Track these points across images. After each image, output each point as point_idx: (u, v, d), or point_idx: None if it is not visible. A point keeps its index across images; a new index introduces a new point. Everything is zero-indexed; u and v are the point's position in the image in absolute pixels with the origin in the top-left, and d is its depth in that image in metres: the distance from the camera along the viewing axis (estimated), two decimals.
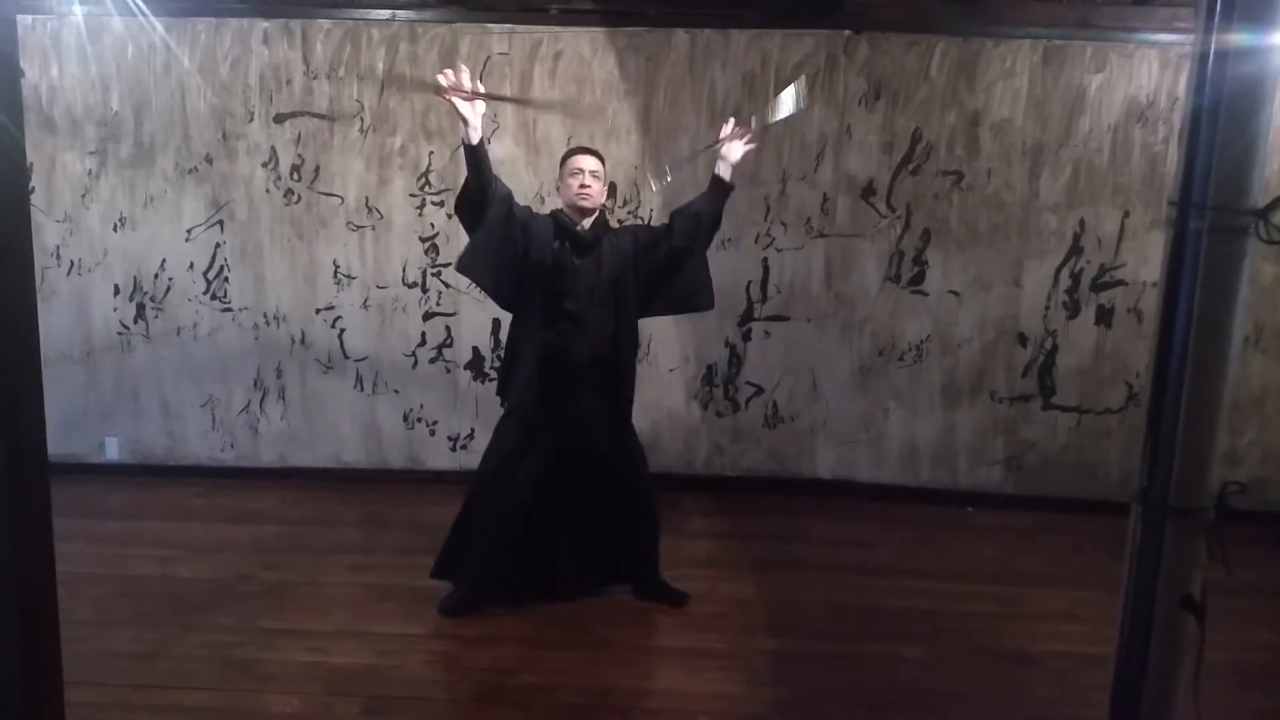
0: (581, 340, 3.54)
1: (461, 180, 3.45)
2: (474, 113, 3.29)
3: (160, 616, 3.58)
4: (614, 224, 3.76)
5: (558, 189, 3.66)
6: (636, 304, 3.63)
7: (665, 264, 3.61)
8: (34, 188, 4.84)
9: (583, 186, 3.50)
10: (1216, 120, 1.77)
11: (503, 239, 3.46)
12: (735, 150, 3.55)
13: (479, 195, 3.40)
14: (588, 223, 3.56)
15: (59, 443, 4.85)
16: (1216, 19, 1.76)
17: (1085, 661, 3.38)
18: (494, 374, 4.97)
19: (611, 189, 4.75)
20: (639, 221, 4.68)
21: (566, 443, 3.60)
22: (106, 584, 3.82)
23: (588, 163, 3.53)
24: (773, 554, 4.32)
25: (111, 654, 3.31)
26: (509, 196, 3.49)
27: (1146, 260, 4.71)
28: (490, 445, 3.72)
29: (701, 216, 3.59)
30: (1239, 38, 1.74)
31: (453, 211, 3.56)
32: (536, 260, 3.50)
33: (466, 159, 3.38)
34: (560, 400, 3.56)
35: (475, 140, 3.33)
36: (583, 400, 3.58)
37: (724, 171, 3.57)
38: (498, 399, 3.73)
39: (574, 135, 4.72)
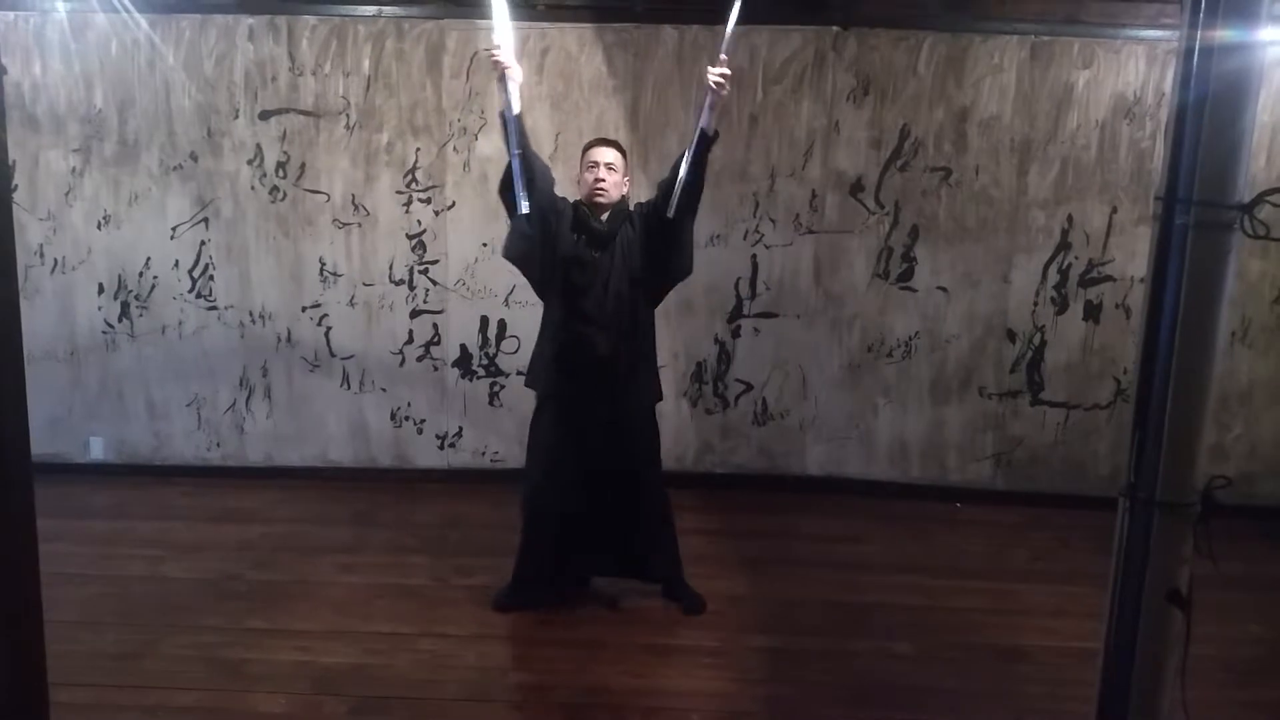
0: (601, 334, 3.51)
1: (501, 167, 3.42)
2: (514, 82, 3.31)
3: (147, 616, 3.56)
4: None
5: (577, 182, 3.59)
6: (647, 293, 3.59)
7: (660, 242, 3.51)
8: (17, 185, 4.79)
9: (598, 181, 3.46)
10: (1202, 116, 1.78)
11: (543, 225, 3.45)
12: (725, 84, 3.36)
13: (526, 170, 3.39)
14: (605, 216, 3.51)
15: (43, 442, 4.81)
16: (1202, 15, 1.76)
17: (1074, 656, 3.40)
18: (482, 371, 4.96)
19: None
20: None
21: (593, 439, 3.58)
22: (92, 584, 3.80)
23: (603, 155, 3.48)
24: (763, 551, 4.32)
25: (98, 654, 3.29)
26: (548, 174, 3.49)
27: (1134, 256, 4.73)
28: (530, 448, 3.71)
29: (687, 183, 3.42)
30: (1224, 34, 1.75)
31: (497, 193, 3.51)
32: (560, 253, 3.50)
33: (512, 129, 3.35)
34: (586, 394, 3.55)
35: (517, 110, 3.33)
36: (606, 394, 3.55)
37: (705, 121, 3.38)
38: (529, 390, 3.73)
39: (563, 130, 4.71)
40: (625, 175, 3.56)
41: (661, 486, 3.75)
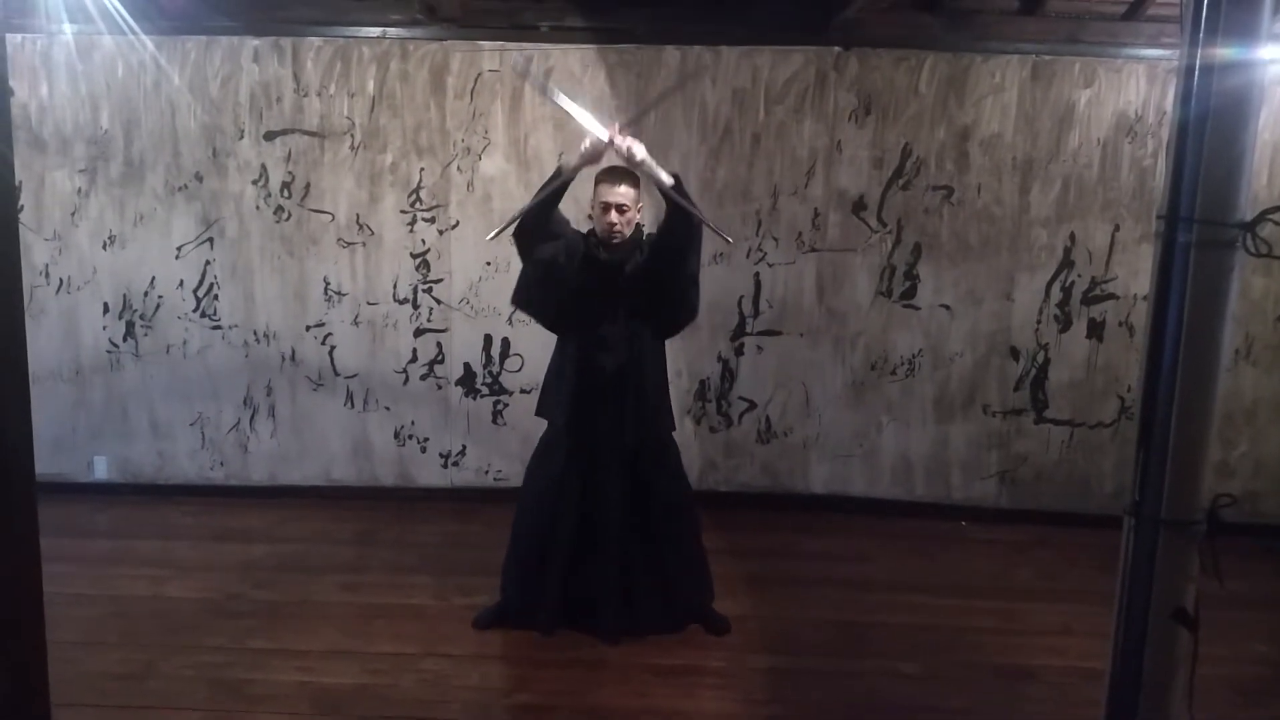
0: (610, 361, 3.52)
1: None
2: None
3: (149, 637, 3.55)
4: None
5: (591, 208, 3.54)
6: (654, 327, 3.60)
7: (657, 290, 3.51)
8: (23, 206, 4.82)
9: (612, 226, 3.43)
10: (1203, 134, 1.79)
11: (560, 269, 3.45)
12: (635, 151, 3.30)
13: (546, 223, 3.42)
14: (616, 247, 3.50)
15: (47, 462, 4.78)
16: (1202, 34, 1.77)
17: (1082, 675, 3.38)
18: (486, 390, 4.96)
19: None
20: None
21: (606, 469, 3.56)
22: (95, 604, 3.79)
23: (616, 196, 3.41)
24: (767, 570, 4.31)
25: (99, 675, 3.28)
26: (566, 223, 3.51)
27: (1137, 274, 4.73)
28: (530, 469, 3.73)
29: (667, 234, 3.44)
30: (1225, 53, 1.75)
31: (514, 239, 3.48)
32: (571, 288, 3.50)
33: (555, 189, 3.37)
34: (597, 423, 3.55)
35: (574, 175, 3.39)
36: (616, 422, 3.55)
37: (657, 178, 3.36)
38: (538, 417, 3.72)
39: (565, 150, 4.73)
40: (638, 204, 3.52)
41: (692, 509, 3.71)
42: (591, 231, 3.56)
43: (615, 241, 3.48)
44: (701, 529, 3.78)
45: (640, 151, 3.31)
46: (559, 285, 3.48)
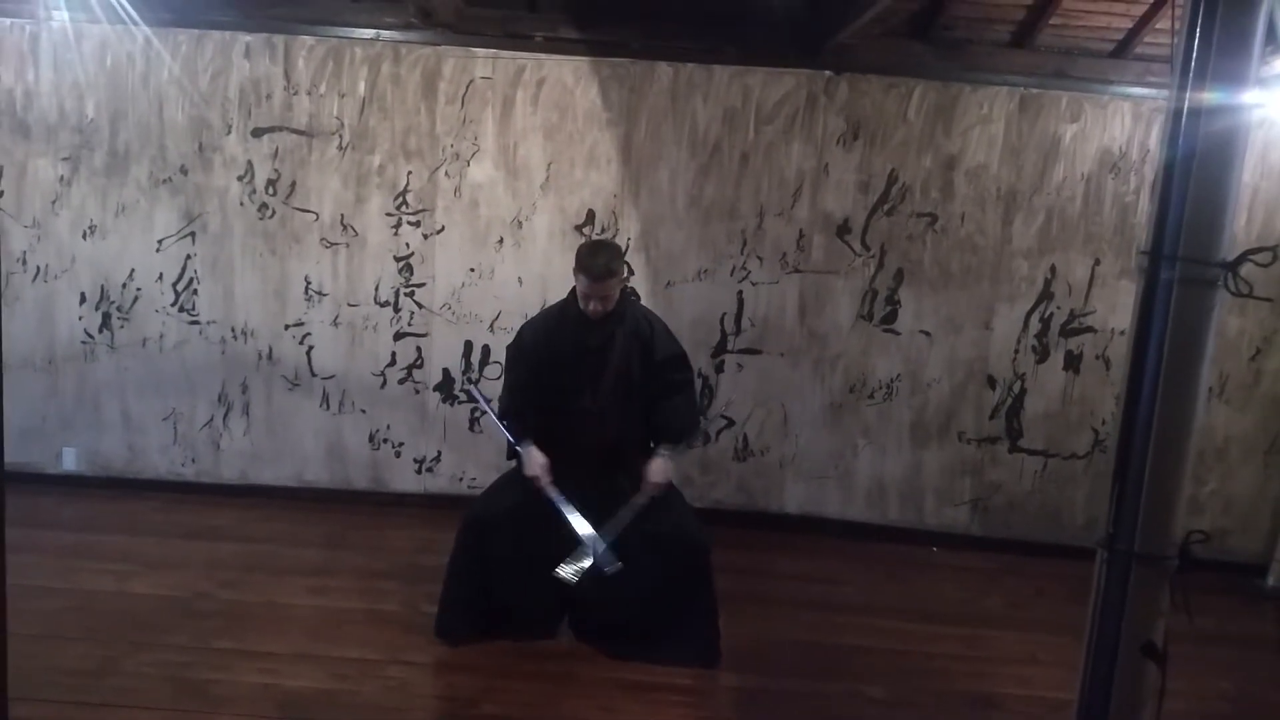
0: (591, 428, 3.56)
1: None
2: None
3: (112, 633, 3.50)
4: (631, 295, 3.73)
5: (575, 278, 3.53)
6: (641, 397, 3.62)
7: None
8: (3, 192, 4.77)
9: (596, 312, 3.50)
10: (1189, 175, 1.81)
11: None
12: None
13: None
14: (602, 320, 3.55)
15: (15, 451, 4.74)
16: (1191, 79, 1.80)
17: (1047, 706, 3.40)
18: (464, 396, 4.94)
19: (590, 216, 4.77)
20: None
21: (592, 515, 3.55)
22: (58, 598, 3.73)
23: (599, 289, 3.44)
24: (738, 588, 4.28)
25: (60, 670, 3.23)
26: (532, 400, 3.61)
27: (1115, 308, 4.78)
28: (495, 485, 3.76)
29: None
30: (1212, 97, 1.78)
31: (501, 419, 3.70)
32: (551, 365, 3.57)
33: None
34: (579, 483, 3.54)
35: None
36: (601, 483, 3.55)
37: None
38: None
39: (554, 160, 4.73)
40: (621, 282, 3.58)
41: (697, 545, 3.66)
42: (572, 302, 3.59)
43: (595, 320, 3.54)
44: (702, 576, 3.64)
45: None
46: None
